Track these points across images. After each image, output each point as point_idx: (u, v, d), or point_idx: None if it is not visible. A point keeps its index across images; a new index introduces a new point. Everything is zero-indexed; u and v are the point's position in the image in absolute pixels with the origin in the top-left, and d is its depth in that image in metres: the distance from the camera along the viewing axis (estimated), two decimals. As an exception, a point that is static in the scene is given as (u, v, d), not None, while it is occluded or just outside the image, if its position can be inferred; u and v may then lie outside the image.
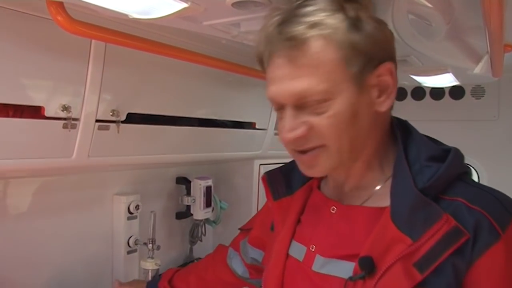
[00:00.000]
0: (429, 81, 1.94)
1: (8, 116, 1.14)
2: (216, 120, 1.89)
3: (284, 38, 0.81)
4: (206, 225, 2.25)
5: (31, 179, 1.52)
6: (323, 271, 0.92)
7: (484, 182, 2.41)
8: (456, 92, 2.52)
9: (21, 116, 1.16)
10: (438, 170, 0.84)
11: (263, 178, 1.12)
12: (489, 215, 0.79)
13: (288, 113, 0.85)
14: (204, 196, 2.11)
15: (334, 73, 0.81)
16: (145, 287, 1.54)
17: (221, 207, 2.28)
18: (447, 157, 0.86)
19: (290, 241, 1.01)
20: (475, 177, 2.45)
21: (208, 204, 2.13)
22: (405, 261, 0.80)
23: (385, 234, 0.84)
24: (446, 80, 1.89)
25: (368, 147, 0.91)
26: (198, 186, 2.10)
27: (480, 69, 1.38)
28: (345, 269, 0.87)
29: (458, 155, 0.88)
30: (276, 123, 1.95)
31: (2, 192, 1.44)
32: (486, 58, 1.32)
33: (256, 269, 1.33)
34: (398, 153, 0.89)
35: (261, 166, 2.34)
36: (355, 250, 0.86)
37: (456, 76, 1.81)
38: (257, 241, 1.27)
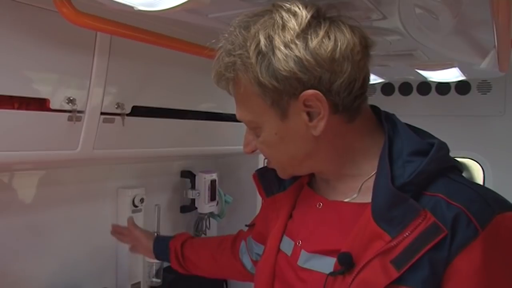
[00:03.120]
0: (435, 76, 1.93)
1: (13, 109, 1.14)
2: (221, 113, 1.89)
3: (218, 74, 0.90)
4: (211, 218, 2.26)
5: (36, 172, 1.52)
6: (307, 266, 0.93)
7: (489, 177, 2.40)
8: (462, 87, 2.50)
9: (26, 108, 1.17)
10: (420, 165, 0.83)
11: (254, 176, 1.13)
12: (468, 211, 0.78)
13: (246, 130, 0.98)
14: (208, 189, 2.11)
15: (255, 105, 0.88)
16: (154, 239, 1.53)
17: (225, 201, 2.28)
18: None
19: (282, 236, 1.02)
20: (480, 173, 2.45)
21: (212, 198, 2.14)
22: (383, 257, 0.80)
23: (366, 230, 0.84)
24: (452, 75, 1.88)
25: (334, 152, 0.91)
26: (203, 180, 2.11)
27: (487, 63, 1.37)
28: (327, 264, 0.88)
29: (441, 149, 0.87)
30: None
31: (7, 184, 1.45)
32: (493, 52, 1.31)
33: None
34: (383, 149, 0.89)
35: (266, 161, 2.33)
36: (338, 245, 0.86)
37: (463, 71, 1.80)
38: (260, 236, 1.27)
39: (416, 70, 1.80)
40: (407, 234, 0.79)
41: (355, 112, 0.89)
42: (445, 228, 0.77)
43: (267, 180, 1.10)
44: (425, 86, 2.61)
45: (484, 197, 0.81)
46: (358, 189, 0.92)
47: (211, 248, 1.46)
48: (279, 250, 1.01)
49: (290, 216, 1.04)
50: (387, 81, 2.56)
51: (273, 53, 0.81)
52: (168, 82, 1.56)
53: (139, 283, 1.86)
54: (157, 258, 1.54)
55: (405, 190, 0.82)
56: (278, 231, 1.03)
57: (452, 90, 2.55)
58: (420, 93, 2.64)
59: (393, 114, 0.97)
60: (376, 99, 2.76)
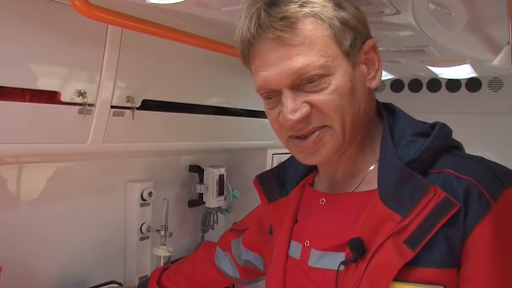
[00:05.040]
0: (446, 73, 1.92)
1: (24, 101, 1.14)
2: (230, 108, 1.89)
3: (277, 19, 0.80)
4: (218, 213, 2.26)
5: (45, 164, 1.53)
6: (318, 265, 0.91)
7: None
8: (473, 84, 2.48)
9: (37, 101, 1.17)
10: (424, 143, 0.83)
11: (254, 182, 1.09)
12: (479, 183, 0.77)
13: (287, 95, 0.84)
14: (216, 184, 2.11)
15: (329, 48, 0.82)
16: None
17: (233, 196, 2.28)
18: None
19: (289, 242, 0.99)
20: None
21: (220, 192, 2.14)
22: (395, 238, 0.78)
23: (375, 213, 0.82)
24: (463, 72, 1.87)
25: (363, 127, 0.91)
26: (211, 175, 2.11)
27: (499, 60, 1.35)
28: (339, 259, 0.85)
29: (444, 128, 0.88)
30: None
31: (16, 176, 1.45)
32: (506, 49, 1.29)
33: (249, 270, 1.31)
34: (384, 131, 0.89)
35: (274, 156, 2.33)
36: (347, 238, 0.84)
37: (474, 67, 1.79)
38: (253, 244, 1.26)
39: (427, 66, 1.79)
40: (418, 212, 0.77)
41: None
42: (457, 202, 0.75)
43: (268, 185, 1.07)
44: (435, 83, 2.60)
45: (494, 171, 0.80)
46: (362, 179, 0.91)
47: (183, 272, 1.45)
48: (288, 256, 0.99)
49: (296, 221, 1.01)
50: (396, 78, 2.55)
51: (343, 5, 0.85)
52: (178, 76, 1.56)
53: (146, 276, 1.86)
54: None
55: (412, 168, 0.81)
56: (285, 238, 1.00)
57: (463, 87, 2.53)
58: (430, 90, 2.62)
59: (391, 103, 0.98)
60: (385, 96, 2.77)
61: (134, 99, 1.39)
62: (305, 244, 0.95)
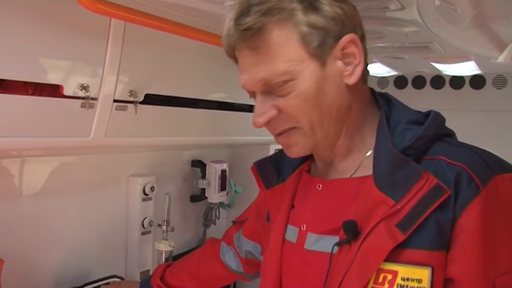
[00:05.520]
0: (450, 69, 1.91)
1: (27, 94, 1.14)
2: (233, 103, 1.88)
3: (241, 29, 0.84)
4: (220, 208, 2.26)
5: (47, 158, 1.52)
6: (314, 248, 0.93)
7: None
8: (477, 81, 2.47)
9: (40, 94, 1.17)
10: (418, 131, 0.86)
11: (252, 168, 1.12)
12: (469, 169, 0.79)
13: (258, 99, 0.90)
14: (219, 179, 2.11)
15: (293, 53, 0.84)
16: (139, 287, 1.53)
17: (235, 191, 2.28)
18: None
19: (286, 227, 1.02)
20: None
21: (222, 187, 2.14)
22: (387, 222, 0.80)
23: (369, 198, 0.85)
24: (467, 69, 1.86)
25: (348, 120, 0.92)
26: (213, 170, 2.10)
27: (504, 57, 1.35)
28: (334, 243, 0.88)
29: (438, 116, 0.90)
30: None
31: (18, 170, 1.45)
32: (511, 46, 1.29)
33: (251, 263, 1.32)
34: (380, 119, 0.91)
35: (276, 151, 2.33)
36: (342, 222, 0.87)
37: (479, 64, 1.78)
38: (252, 232, 1.27)
39: (431, 63, 1.79)
40: (410, 197, 0.80)
41: (367, 73, 0.93)
42: (448, 188, 0.78)
43: (266, 172, 1.09)
44: (439, 80, 2.59)
45: (484, 158, 0.83)
46: (358, 166, 0.93)
47: (188, 267, 1.46)
48: (284, 240, 1.01)
49: (292, 206, 1.04)
50: (400, 74, 2.54)
51: (317, 4, 0.85)
52: (181, 71, 1.55)
53: (148, 271, 1.86)
54: None
55: (406, 155, 0.83)
56: (281, 222, 1.02)
57: (467, 84, 2.52)
58: (433, 87, 2.61)
59: (386, 92, 0.99)
60: (389, 92, 2.75)
61: (137, 93, 1.38)
62: (302, 228, 0.97)
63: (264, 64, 0.85)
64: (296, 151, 0.94)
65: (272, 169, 1.08)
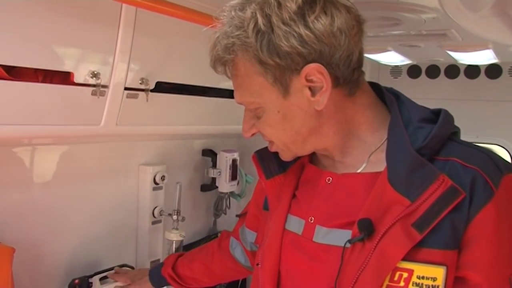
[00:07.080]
0: (467, 58, 1.88)
1: (37, 81, 1.13)
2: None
3: (215, 58, 0.91)
4: (231, 198, 2.25)
5: (58, 147, 1.52)
6: (325, 241, 0.93)
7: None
8: (493, 70, 2.42)
9: (50, 81, 1.16)
10: (431, 130, 0.86)
11: (253, 157, 1.12)
12: (484, 172, 0.82)
13: (244, 114, 0.97)
14: (230, 169, 2.10)
15: (256, 85, 0.88)
16: (148, 275, 1.52)
17: (246, 181, 2.27)
18: (438, 118, 0.89)
19: (286, 216, 1.02)
20: (508, 159, 2.39)
21: (233, 177, 2.12)
22: (403, 222, 0.82)
23: (383, 196, 0.86)
24: (484, 57, 1.82)
25: (330, 132, 0.92)
26: (224, 159, 2.09)
27: (524, 46, 1.32)
28: (346, 237, 0.88)
29: (448, 115, 0.91)
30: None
31: (29, 158, 1.45)
32: (532, 34, 1.26)
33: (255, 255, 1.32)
34: (393, 117, 0.91)
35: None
36: (354, 217, 0.87)
37: (496, 53, 1.74)
38: (255, 224, 1.26)
39: (447, 51, 1.75)
40: (426, 197, 0.81)
41: (355, 85, 0.90)
42: (463, 190, 0.80)
43: (267, 161, 1.09)
44: (453, 69, 2.54)
45: (493, 159, 0.86)
46: (367, 161, 0.93)
47: (201, 258, 1.46)
48: (284, 230, 1.01)
49: (294, 196, 1.03)
50: (414, 63, 2.50)
51: (272, 30, 0.83)
52: (192, 59, 1.53)
53: (158, 260, 1.86)
54: None
55: (421, 154, 0.84)
56: (282, 212, 1.02)
57: (482, 74, 2.47)
58: (448, 77, 2.56)
59: (392, 88, 0.99)
60: (402, 82, 2.72)
61: (148, 81, 1.37)
62: (309, 220, 0.96)
63: (240, 90, 0.93)
64: (284, 157, 0.99)
65: (274, 159, 1.07)
